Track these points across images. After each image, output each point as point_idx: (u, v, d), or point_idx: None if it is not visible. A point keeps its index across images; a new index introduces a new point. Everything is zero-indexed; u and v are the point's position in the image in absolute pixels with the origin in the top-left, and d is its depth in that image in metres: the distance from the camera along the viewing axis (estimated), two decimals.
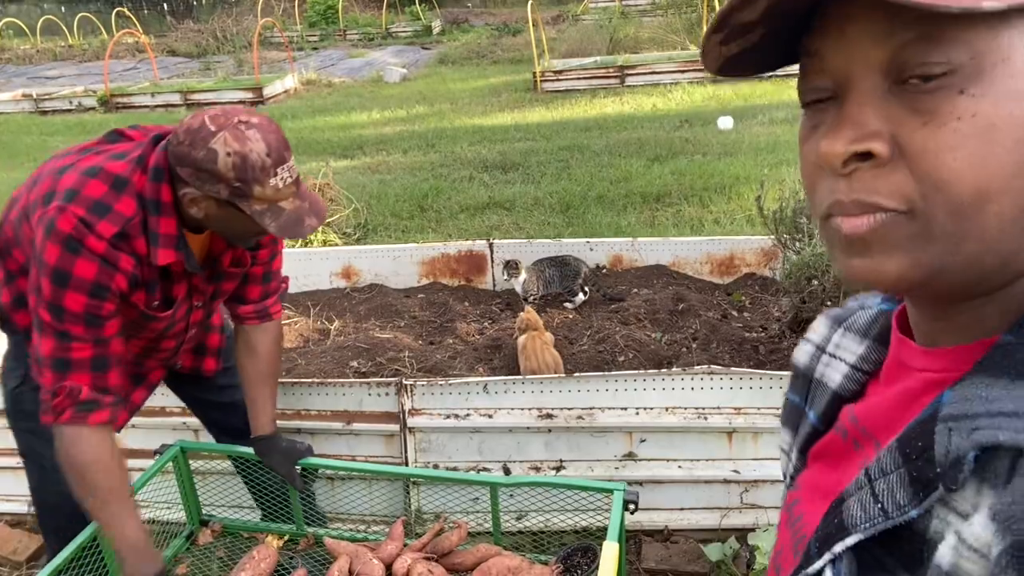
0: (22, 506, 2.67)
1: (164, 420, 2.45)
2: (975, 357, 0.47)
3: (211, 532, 2.00)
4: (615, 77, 10.36)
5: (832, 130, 0.47)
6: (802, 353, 0.67)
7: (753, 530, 2.23)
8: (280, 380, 2.08)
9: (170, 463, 1.93)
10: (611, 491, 1.69)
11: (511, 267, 3.41)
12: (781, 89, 8.98)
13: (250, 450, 1.90)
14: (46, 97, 12.57)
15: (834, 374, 0.62)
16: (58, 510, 1.80)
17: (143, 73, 15.29)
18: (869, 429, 0.55)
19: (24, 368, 1.75)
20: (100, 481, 1.55)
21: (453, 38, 17.85)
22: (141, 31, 15.89)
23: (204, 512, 2.08)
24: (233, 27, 18.12)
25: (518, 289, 3.46)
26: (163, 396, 2.28)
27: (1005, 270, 0.46)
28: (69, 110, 12.21)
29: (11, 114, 12.30)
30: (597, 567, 1.57)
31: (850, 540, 0.48)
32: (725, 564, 2.16)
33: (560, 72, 10.64)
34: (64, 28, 20.40)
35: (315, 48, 18.17)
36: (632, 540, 2.32)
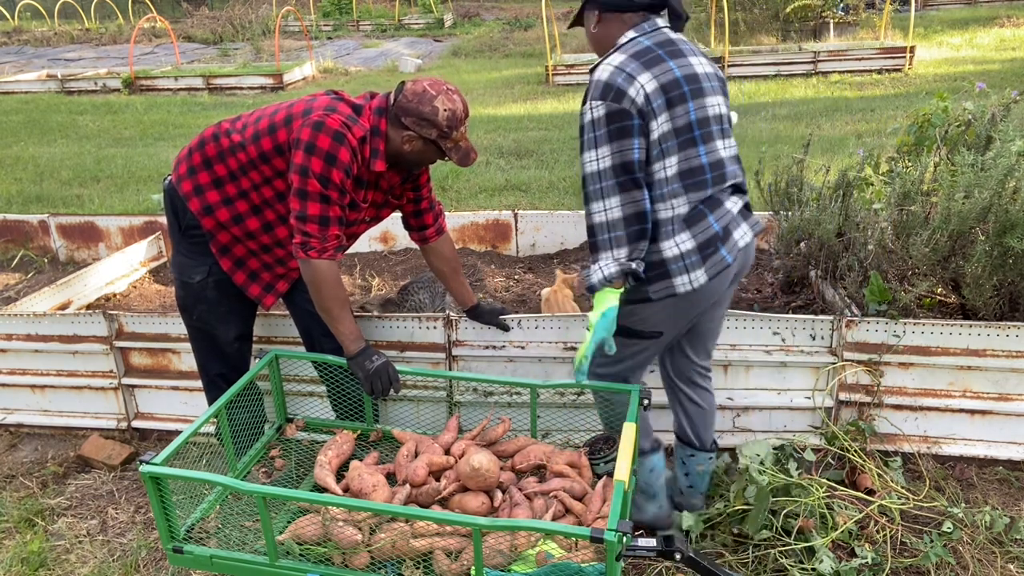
0: (112, 422, 3.09)
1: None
2: None
3: (295, 427, 2.41)
4: None
5: None
6: None
7: None
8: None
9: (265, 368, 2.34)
10: (630, 391, 2.10)
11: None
12: (784, 88, 9.37)
13: (333, 357, 2.33)
14: (71, 78, 12.94)
15: None
16: (224, 378, 2.40)
17: (161, 57, 15.67)
18: None
19: (209, 264, 2.27)
20: (338, 292, 2.21)
21: (465, 31, 18.22)
22: (160, 17, 16.25)
23: (288, 412, 2.49)
24: (250, 14, 18.52)
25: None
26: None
27: None
28: (94, 91, 12.60)
29: (37, 93, 12.68)
30: (617, 449, 1.98)
31: None
32: (716, 474, 2.57)
33: (572, 66, 11.03)
34: (80, 11, 20.81)
35: (329, 37, 18.54)
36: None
